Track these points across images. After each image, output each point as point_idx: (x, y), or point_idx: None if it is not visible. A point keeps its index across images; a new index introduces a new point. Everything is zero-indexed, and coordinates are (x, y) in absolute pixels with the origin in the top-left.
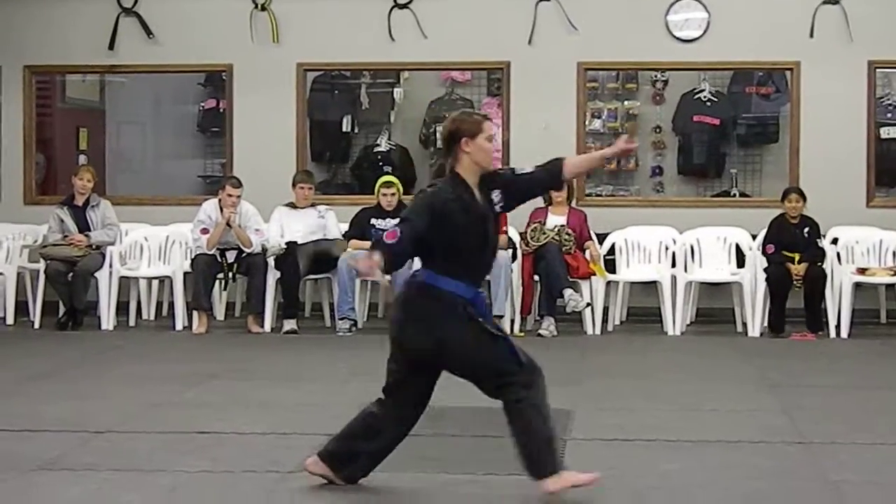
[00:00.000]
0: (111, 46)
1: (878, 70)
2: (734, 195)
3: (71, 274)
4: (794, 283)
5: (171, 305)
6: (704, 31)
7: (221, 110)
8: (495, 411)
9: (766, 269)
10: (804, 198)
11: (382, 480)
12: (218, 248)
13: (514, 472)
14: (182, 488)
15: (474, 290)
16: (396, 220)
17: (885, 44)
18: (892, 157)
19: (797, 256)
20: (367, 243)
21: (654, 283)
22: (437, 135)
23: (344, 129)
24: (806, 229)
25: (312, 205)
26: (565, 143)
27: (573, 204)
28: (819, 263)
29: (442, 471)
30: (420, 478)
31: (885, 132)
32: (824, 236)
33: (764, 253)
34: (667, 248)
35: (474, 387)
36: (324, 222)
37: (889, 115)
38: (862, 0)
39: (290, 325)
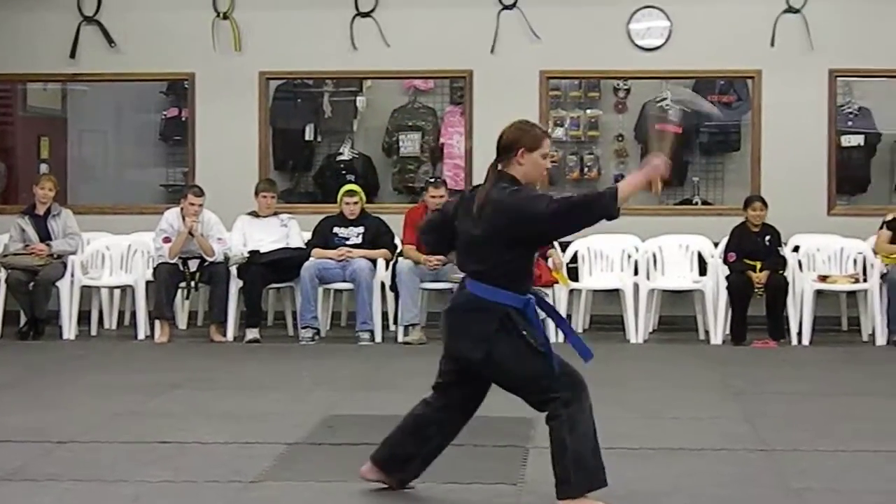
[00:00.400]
0: (73, 55)
1: (838, 78)
2: (696, 203)
3: (32, 283)
4: (756, 291)
5: (133, 315)
6: (666, 40)
7: (184, 119)
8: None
9: (727, 278)
10: (766, 206)
11: (354, 489)
12: (180, 257)
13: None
14: (144, 498)
15: (524, 299)
16: (550, 196)
17: (845, 52)
18: (852, 165)
19: (758, 264)
20: (330, 252)
21: (616, 291)
22: (400, 143)
23: (307, 138)
24: (767, 237)
25: (275, 213)
26: None
27: None
28: (780, 271)
29: (419, 479)
30: (384, 488)
31: (846, 140)
32: (785, 244)
33: (725, 261)
34: (629, 257)
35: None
36: (286, 231)
37: (850, 123)
38: (822, 9)
39: (252, 334)
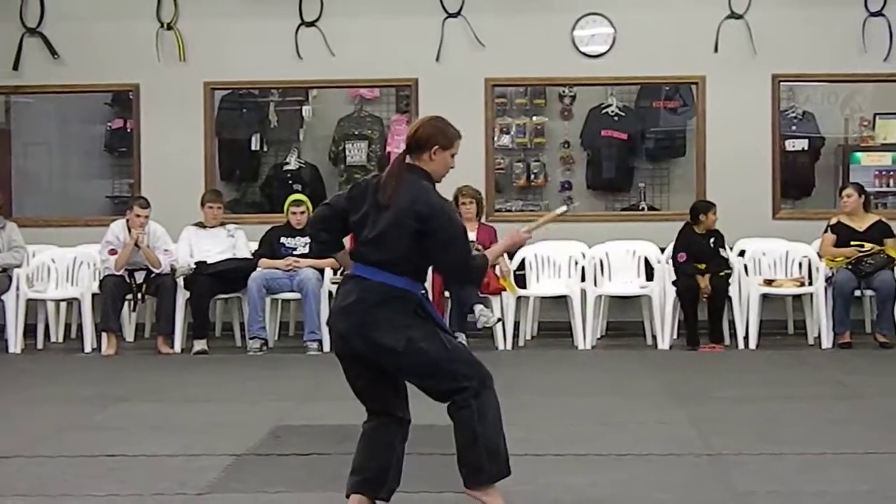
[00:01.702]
0: (15, 67)
1: (781, 83)
2: (643, 209)
3: None
4: (702, 295)
5: (80, 327)
6: (611, 47)
7: (129, 130)
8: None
9: (675, 283)
10: None
11: (301, 500)
12: (126, 269)
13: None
14: None
15: (423, 292)
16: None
17: (788, 57)
18: (797, 169)
19: (704, 267)
20: (277, 262)
21: (564, 297)
22: (347, 152)
23: (253, 148)
24: (712, 239)
25: (221, 224)
26: (475, 159)
27: (483, 220)
28: (721, 274)
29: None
30: (332, 497)
31: (790, 144)
32: (731, 248)
33: (676, 262)
34: (576, 263)
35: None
36: (233, 241)
37: (793, 127)
38: (765, 14)
39: (200, 345)
